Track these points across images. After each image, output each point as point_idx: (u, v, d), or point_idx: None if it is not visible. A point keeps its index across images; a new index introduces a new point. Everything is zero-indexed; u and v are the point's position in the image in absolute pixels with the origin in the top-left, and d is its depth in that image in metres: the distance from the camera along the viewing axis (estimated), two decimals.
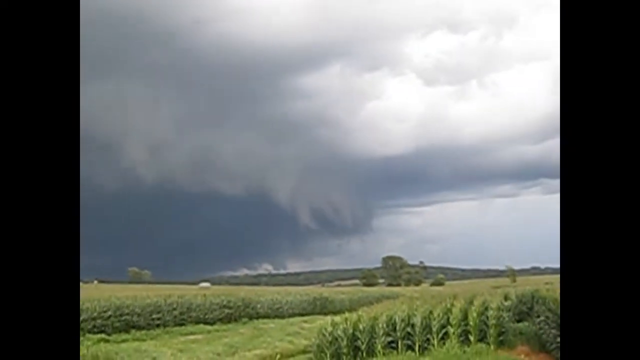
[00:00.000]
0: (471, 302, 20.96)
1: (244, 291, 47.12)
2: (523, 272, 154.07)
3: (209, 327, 29.14)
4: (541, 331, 17.24)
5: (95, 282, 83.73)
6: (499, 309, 19.13)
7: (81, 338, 21.36)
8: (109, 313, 25.13)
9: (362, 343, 17.13)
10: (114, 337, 23.77)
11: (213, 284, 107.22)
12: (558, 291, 16.17)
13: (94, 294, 31.45)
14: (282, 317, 35.99)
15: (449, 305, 19.79)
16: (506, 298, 28.70)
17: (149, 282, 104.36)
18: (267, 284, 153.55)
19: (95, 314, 24.56)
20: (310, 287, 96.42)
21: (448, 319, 18.06)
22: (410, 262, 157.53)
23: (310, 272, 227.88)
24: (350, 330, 17.34)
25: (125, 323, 25.62)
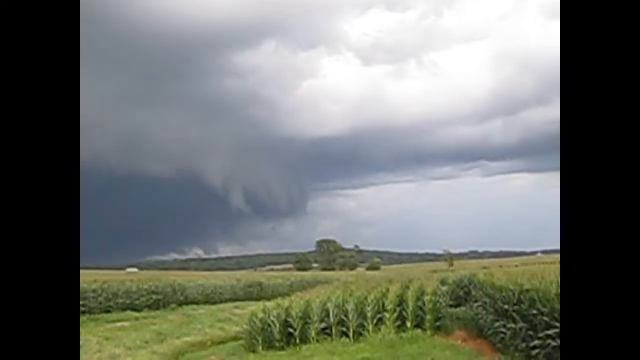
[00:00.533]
0: (407, 287, 21.09)
1: (173, 276, 46.65)
2: (461, 256, 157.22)
3: (136, 314, 28.80)
4: (479, 316, 17.36)
5: None
6: (435, 294, 19.25)
7: None
8: None
9: (295, 330, 17.00)
10: None
11: (141, 269, 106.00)
12: (496, 276, 16.26)
13: None
14: (213, 303, 35.90)
15: (384, 291, 19.89)
16: (443, 283, 28.99)
17: None
18: (197, 269, 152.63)
19: None
20: (243, 272, 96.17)
21: (384, 304, 18.10)
22: (346, 246, 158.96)
23: (242, 257, 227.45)
24: (283, 317, 17.18)
25: None
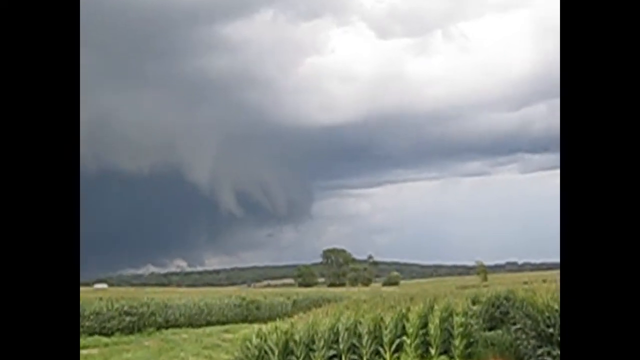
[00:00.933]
0: (432, 306, 21.04)
1: (150, 293, 46.68)
2: (496, 268, 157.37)
3: (105, 340, 28.77)
4: (517, 341, 17.33)
5: None
6: (466, 314, 19.23)
7: None
8: None
9: (298, 358, 16.94)
10: None
11: (111, 284, 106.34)
12: (538, 292, 16.26)
13: None
14: (198, 325, 35.80)
15: (404, 310, 19.83)
16: (475, 301, 28.96)
17: None
18: (179, 285, 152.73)
19: None
20: (233, 288, 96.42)
21: (403, 327, 18.08)
22: (357, 257, 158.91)
23: (233, 270, 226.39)
24: (283, 342, 17.12)
25: None
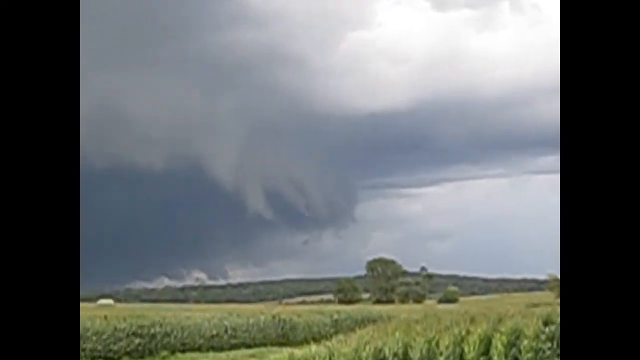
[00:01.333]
0: (496, 328, 21.06)
1: (164, 311, 46.79)
2: None
3: None
4: None
5: None
6: (536, 337, 19.24)
7: None
8: None
9: None
10: None
11: (117, 300, 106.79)
12: None
13: None
14: (220, 349, 35.70)
15: (463, 332, 19.89)
16: (548, 322, 28.92)
17: None
18: (198, 300, 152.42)
19: None
20: (262, 305, 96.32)
21: (462, 352, 18.17)
22: (408, 269, 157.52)
23: (261, 283, 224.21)
24: None
25: None
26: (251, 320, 39.99)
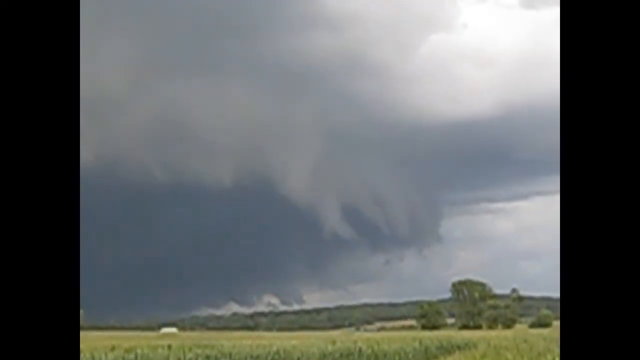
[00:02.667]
0: None
1: (232, 339, 46.31)
2: None
3: None
4: None
5: None
6: None
7: None
8: None
9: None
10: None
11: (182, 328, 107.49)
12: None
13: None
14: None
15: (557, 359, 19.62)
16: None
17: (82, 327, 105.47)
18: (269, 328, 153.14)
19: None
20: (338, 332, 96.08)
21: None
22: (498, 291, 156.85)
23: (337, 308, 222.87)
24: None
25: None
26: (327, 349, 39.59)
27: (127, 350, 31.28)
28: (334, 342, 42.46)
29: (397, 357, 40.74)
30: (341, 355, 39.56)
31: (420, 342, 45.79)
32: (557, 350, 21.48)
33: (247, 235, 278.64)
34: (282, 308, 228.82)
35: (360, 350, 41.02)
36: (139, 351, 30.74)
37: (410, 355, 41.12)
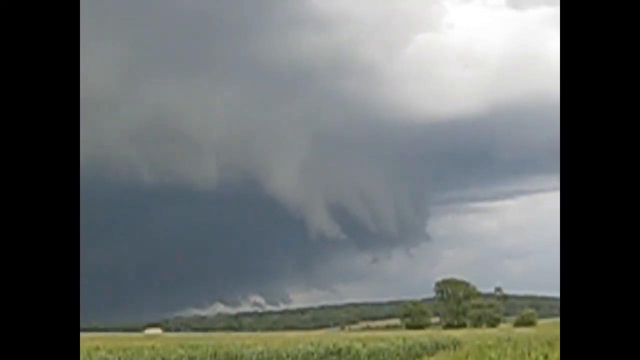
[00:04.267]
0: None
1: (217, 340, 46.59)
2: None
3: None
4: None
5: None
6: None
7: None
8: None
9: None
10: None
11: (166, 329, 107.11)
12: None
13: None
14: None
15: (541, 358, 19.56)
16: None
17: None
18: (254, 328, 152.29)
19: None
20: (322, 332, 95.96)
21: None
22: (482, 290, 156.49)
23: (321, 308, 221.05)
24: None
25: None
26: (309, 349, 39.72)
27: (112, 350, 31.26)
28: (318, 342, 42.55)
29: (381, 357, 41.14)
30: (325, 354, 39.69)
31: (405, 341, 46.05)
32: (541, 349, 21.93)
33: (234, 235, 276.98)
34: (268, 308, 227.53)
35: (344, 349, 41.14)
36: (124, 352, 31.08)
37: (394, 355, 41.51)
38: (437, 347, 41.70)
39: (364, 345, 43.27)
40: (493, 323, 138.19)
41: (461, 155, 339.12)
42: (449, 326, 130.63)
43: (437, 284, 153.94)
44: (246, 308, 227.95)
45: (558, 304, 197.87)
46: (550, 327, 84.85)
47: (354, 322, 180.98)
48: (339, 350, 40.86)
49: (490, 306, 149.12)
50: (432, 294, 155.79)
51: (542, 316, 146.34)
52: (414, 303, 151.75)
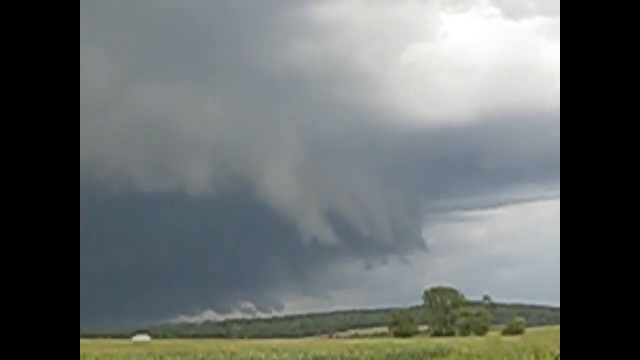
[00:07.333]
0: None
1: (205, 346, 46.68)
2: None
3: None
4: None
5: None
6: None
7: None
8: None
9: None
10: None
11: (155, 336, 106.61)
12: None
13: None
14: None
15: None
16: None
17: None
18: (242, 336, 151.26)
19: None
20: (311, 340, 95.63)
21: None
22: (470, 298, 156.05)
23: (310, 316, 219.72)
24: None
25: None
26: (297, 357, 39.64)
27: (99, 358, 31.65)
28: (306, 350, 42.54)
29: None
30: None
31: (393, 350, 46.18)
32: (529, 358, 22.17)
33: (227, 241, 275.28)
34: (259, 315, 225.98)
35: (332, 358, 41.30)
36: (113, 358, 31.45)
37: None
38: (426, 355, 41.79)
39: (350, 353, 43.55)
40: (481, 332, 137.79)
41: (452, 164, 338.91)
42: (437, 334, 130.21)
43: (426, 293, 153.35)
44: (237, 315, 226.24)
45: (547, 312, 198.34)
46: (540, 335, 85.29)
47: (342, 330, 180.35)
48: (324, 358, 40.84)
49: (479, 315, 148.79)
50: (420, 302, 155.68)
51: (530, 325, 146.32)
52: (402, 311, 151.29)
